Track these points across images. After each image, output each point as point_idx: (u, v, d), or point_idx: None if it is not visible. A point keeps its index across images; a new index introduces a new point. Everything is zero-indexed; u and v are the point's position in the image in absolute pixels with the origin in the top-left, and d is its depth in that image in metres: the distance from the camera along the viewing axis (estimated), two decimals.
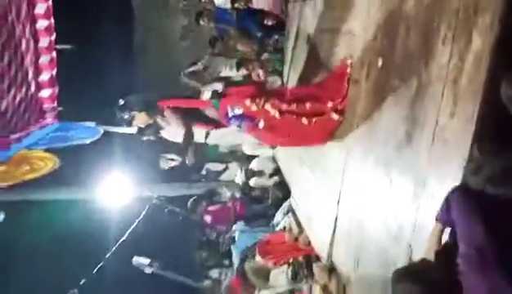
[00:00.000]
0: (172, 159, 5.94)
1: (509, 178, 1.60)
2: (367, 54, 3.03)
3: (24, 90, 5.24)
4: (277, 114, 3.26)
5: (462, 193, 1.79)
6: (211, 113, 3.55)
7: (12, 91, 4.93)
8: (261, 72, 5.30)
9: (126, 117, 3.42)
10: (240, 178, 6.32)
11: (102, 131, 6.03)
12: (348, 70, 3.31)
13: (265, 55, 5.59)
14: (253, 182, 5.99)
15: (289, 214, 4.94)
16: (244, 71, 5.53)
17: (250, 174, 6.04)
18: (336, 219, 3.44)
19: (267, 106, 3.27)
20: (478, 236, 1.58)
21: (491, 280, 1.53)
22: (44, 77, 5.54)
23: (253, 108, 3.27)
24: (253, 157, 6.17)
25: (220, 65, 5.74)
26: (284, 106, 3.29)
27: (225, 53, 5.91)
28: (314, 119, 3.32)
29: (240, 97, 3.35)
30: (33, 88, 5.41)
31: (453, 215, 1.75)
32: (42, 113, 5.68)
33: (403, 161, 2.50)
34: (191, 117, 3.56)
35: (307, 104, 3.32)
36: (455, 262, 1.65)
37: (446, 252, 1.74)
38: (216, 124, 3.65)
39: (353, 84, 3.25)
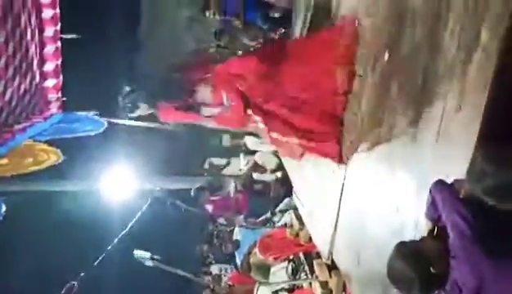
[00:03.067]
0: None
1: (510, 193, 1.55)
2: (373, 47, 2.96)
3: (28, 79, 5.23)
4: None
5: (444, 187, 1.84)
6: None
7: (17, 81, 4.92)
8: None
9: (129, 104, 3.49)
10: (243, 165, 6.31)
11: (106, 124, 6.02)
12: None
13: None
14: (255, 175, 5.98)
15: (291, 210, 4.90)
16: None
17: (253, 165, 6.03)
18: (338, 216, 3.39)
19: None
20: (463, 225, 1.65)
21: (475, 263, 1.61)
22: (49, 66, 5.53)
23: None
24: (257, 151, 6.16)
25: (225, 58, 5.70)
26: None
27: (230, 46, 5.88)
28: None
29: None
30: (37, 78, 5.40)
31: (439, 208, 1.80)
32: (47, 103, 5.67)
33: (407, 157, 2.44)
34: None
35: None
36: (447, 247, 1.71)
37: (439, 239, 1.80)
38: None
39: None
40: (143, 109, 3.53)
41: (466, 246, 1.64)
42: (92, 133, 5.99)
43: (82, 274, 4.82)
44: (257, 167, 6.02)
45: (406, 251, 1.78)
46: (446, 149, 2.09)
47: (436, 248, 1.76)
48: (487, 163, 1.59)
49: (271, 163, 5.87)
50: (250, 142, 5.90)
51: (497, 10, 1.82)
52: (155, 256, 5.32)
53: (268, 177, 5.90)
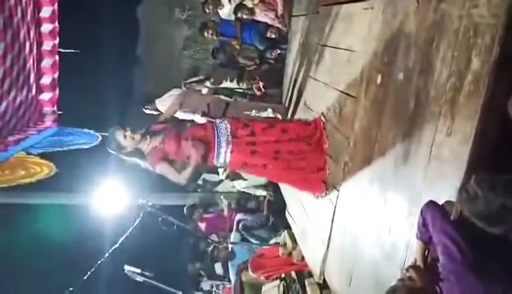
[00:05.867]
0: None
1: (501, 218, 1.59)
2: (367, 70, 3.04)
3: (24, 92, 5.24)
4: None
5: (435, 208, 1.89)
6: None
7: (13, 93, 4.93)
8: (261, 84, 5.34)
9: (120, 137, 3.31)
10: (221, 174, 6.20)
11: (100, 138, 6.03)
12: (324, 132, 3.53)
13: (265, 67, 5.63)
14: (236, 184, 5.92)
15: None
16: (245, 83, 5.57)
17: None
18: (330, 235, 3.41)
19: None
20: (453, 247, 1.68)
21: (466, 286, 1.65)
22: (45, 80, 5.56)
23: None
24: None
25: (221, 77, 5.78)
26: None
27: (227, 65, 5.95)
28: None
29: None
30: (33, 91, 5.42)
31: (429, 229, 1.84)
32: (42, 116, 5.68)
33: (399, 178, 2.49)
34: None
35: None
36: (438, 271, 1.74)
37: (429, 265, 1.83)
38: None
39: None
40: (132, 140, 3.33)
41: (456, 269, 1.66)
42: (86, 146, 5.99)
43: (71, 289, 4.77)
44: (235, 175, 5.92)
45: None
46: (438, 171, 2.14)
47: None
48: (479, 186, 1.63)
49: (262, 179, 5.83)
50: None
51: (486, 41, 1.89)
52: (146, 272, 5.28)
53: (258, 192, 5.88)
